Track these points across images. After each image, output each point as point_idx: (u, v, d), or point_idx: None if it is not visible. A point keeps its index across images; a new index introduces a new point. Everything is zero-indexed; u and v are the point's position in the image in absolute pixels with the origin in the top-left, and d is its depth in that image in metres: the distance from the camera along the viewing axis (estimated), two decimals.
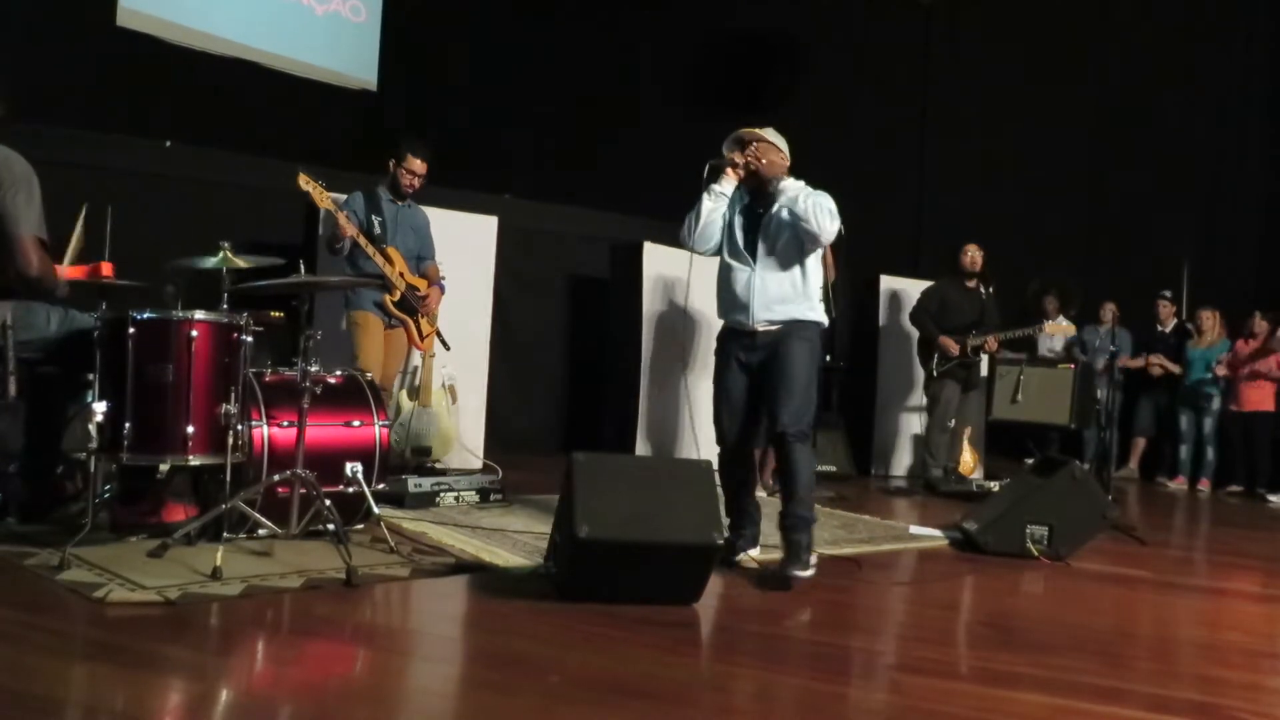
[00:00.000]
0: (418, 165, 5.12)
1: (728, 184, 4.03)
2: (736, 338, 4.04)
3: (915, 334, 7.11)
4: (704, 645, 3.10)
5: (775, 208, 3.99)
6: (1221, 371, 8.07)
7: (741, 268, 4.03)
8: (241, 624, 2.87)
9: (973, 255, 6.84)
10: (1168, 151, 8.93)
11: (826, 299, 5.91)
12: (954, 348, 6.71)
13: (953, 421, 6.88)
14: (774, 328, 3.94)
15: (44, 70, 7.04)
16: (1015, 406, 7.02)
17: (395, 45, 10.13)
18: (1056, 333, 7.66)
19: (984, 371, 7.22)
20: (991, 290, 6.96)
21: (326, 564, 3.42)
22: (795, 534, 3.78)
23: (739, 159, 3.99)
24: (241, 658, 2.67)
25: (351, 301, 5.09)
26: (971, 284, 6.91)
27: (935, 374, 6.81)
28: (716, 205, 4.03)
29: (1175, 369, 8.41)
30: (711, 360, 7.27)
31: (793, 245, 3.96)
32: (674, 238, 7.47)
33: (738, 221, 4.09)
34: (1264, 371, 7.91)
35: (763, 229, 4.00)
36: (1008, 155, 9.20)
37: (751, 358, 3.99)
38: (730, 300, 4.07)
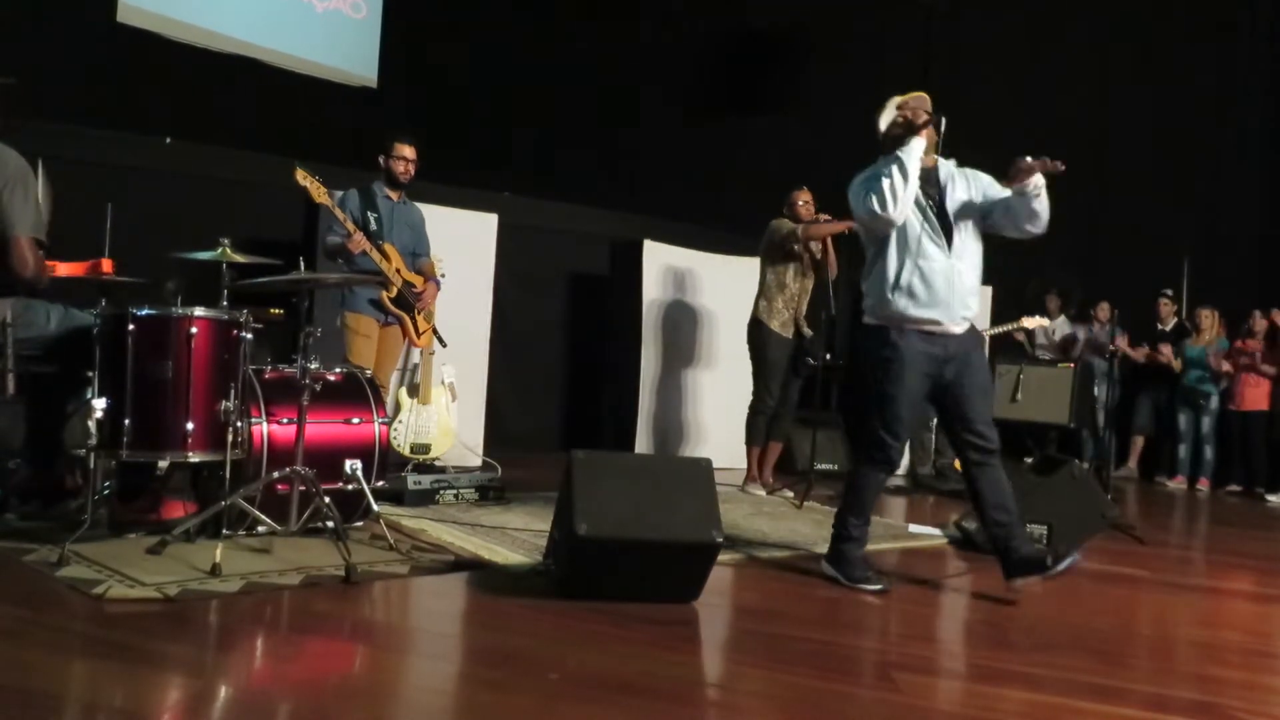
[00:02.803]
0: (408, 151, 5.15)
1: (920, 145, 3.45)
2: (927, 340, 3.47)
3: None
4: (703, 643, 3.10)
5: (951, 183, 3.56)
6: (1226, 367, 8.08)
7: (937, 255, 3.46)
8: (240, 621, 2.87)
9: None
10: (1168, 151, 8.93)
11: (826, 297, 5.97)
12: None
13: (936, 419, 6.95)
14: (966, 327, 3.53)
15: (44, 66, 7.03)
16: (1014, 405, 7.03)
17: (395, 42, 10.13)
18: (1034, 325, 7.67)
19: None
20: None
21: (326, 561, 3.42)
22: (1023, 540, 3.62)
23: (919, 117, 3.48)
24: (240, 654, 2.67)
25: (346, 302, 5.09)
26: None
27: None
28: (917, 170, 3.43)
29: (1176, 363, 8.41)
30: (712, 358, 7.20)
31: (976, 229, 3.56)
32: (673, 235, 7.54)
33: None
34: (1265, 370, 7.94)
35: (952, 210, 3.50)
36: (1008, 154, 9.19)
37: (945, 369, 3.50)
38: (924, 295, 3.45)
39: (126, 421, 3.41)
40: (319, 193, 4.66)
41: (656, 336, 7.15)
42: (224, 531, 3.53)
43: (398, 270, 5.09)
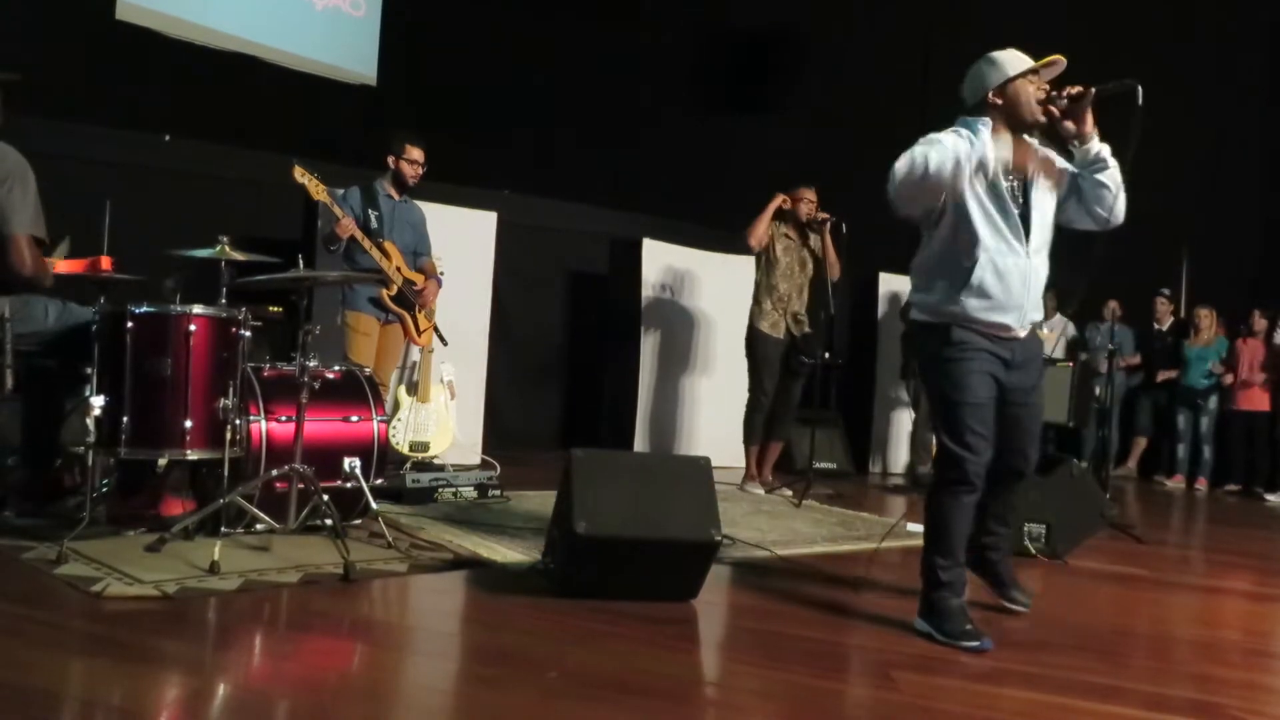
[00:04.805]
0: (418, 154, 5.16)
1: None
2: (996, 343, 3.06)
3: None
4: (702, 642, 3.10)
5: (1037, 175, 3.07)
6: (1228, 380, 8.11)
7: (1014, 253, 3.01)
8: (239, 619, 2.87)
9: None
10: (1167, 149, 8.93)
11: (826, 296, 5.97)
12: None
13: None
14: (1029, 334, 3.14)
15: (43, 63, 7.02)
16: None
17: (395, 40, 10.12)
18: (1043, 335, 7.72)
19: None
20: None
21: (324, 559, 3.42)
22: (1007, 556, 3.49)
23: (1047, 97, 2.98)
24: (239, 652, 2.67)
25: (347, 300, 5.09)
26: None
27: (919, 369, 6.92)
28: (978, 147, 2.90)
29: (1173, 374, 8.43)
30: (711, 357, 7.18)
31: (1051, 227, 3.13)
32: (673, 235, 7.53)
33: (982, 186, 2.98)
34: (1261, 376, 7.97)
35: (1037, 200, 3.06)
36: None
37: (1010, 377, 3.10)
38: (998, 297, 3.01)
39: (125, 419, 3.41)
40: (317, 190, 4.66)
41: (655, 335, 7.15)
42: (223, 529, 3.53)
43: (398, 268, 5.09)
